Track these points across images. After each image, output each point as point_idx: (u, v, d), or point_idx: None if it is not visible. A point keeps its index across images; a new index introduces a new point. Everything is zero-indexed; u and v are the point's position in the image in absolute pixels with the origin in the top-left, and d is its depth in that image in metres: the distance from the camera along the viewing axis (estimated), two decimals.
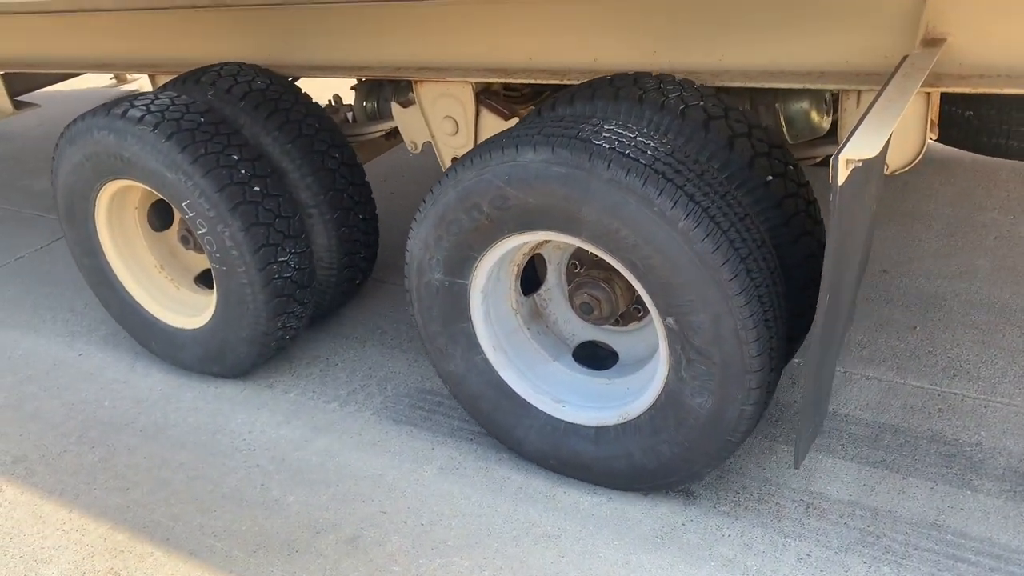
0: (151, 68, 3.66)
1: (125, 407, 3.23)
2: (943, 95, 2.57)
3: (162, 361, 3.45)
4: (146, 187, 3.08)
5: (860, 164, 1.76)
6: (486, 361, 2.64)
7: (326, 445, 2.91)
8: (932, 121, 2.51)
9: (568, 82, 2.69)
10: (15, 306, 4.05)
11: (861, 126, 1.85)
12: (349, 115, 3.61)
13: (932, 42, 2.22)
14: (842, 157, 1.74)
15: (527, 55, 2.74)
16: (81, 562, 2.56)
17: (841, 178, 1.74)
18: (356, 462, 2.81)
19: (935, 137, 2.58)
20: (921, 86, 2.14)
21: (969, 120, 2.89)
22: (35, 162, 5.93)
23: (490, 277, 2.54)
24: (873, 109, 1.92)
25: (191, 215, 2.94)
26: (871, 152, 1.75)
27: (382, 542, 2.50)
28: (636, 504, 2.52)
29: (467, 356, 2.65)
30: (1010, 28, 2.13)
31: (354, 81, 3.47)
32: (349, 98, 3.61)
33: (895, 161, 2.48)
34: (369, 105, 3.47)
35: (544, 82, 2.75)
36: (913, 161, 2.49)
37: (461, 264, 2.50)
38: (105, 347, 3.62)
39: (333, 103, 3.72)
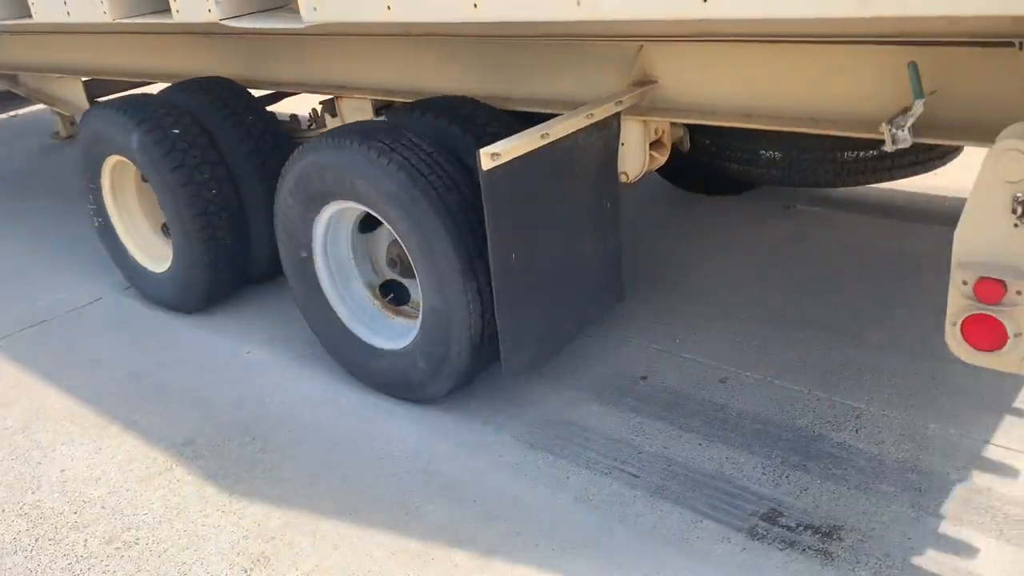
0: (171, 78, 4.54)
1: (287, 404, 3.47)
2: (697, 128, 3.43)
3: (323, 365, 3.69)
4: (116, 156, 4.21)
5: (500, 156, 2.57)
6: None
7: (467, 461, 3.02)
8: (663, 143, 3.28)
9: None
10: None
11: (520, 134, 2.71)
12: (315, 122, 4.36)
13: (644, 83, 3.01)
14: (482, 152, 2.58)
15: (400, 80, 3.69)
16: (236, 543, 2.77)
17: (484, 166, 2.57)
18: (494, 482, 2.91)
19: (663, 158, 3.27)
20: (636, 116, 3.05)
21: (709, 147, 3.64)
22: None
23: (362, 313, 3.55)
24: (542, 125, 2.77)
25: (134, 153, 4.03)
26: (503, 149, 2.59)
27: (515, 562, 2.57)
28: (771, 558, 2.49)
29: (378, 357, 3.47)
30: (703, 75, 2.86)
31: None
32: None
33: (630, 171, 3.19)
34: (327, 114, 4.18)
35: (408, 100, 3.57)
36: (641, 173, 3.21)
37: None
38: (272, 348, 3.90)
39: (311, 114, 4.39)
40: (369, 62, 3.77)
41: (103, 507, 2.99)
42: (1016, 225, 1.98)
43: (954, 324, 2.12)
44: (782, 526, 2.61)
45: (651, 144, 3.20)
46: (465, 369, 3.16)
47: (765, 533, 2.58)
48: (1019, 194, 1.95)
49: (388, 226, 3.15)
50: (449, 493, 2.88)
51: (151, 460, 3.21)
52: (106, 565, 2.74)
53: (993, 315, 2.06)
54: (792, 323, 3.66)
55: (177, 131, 3.95)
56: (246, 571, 2.65)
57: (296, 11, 3.08)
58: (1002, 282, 2.04)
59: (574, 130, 2.84)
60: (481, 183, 2.61)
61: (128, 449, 3.29)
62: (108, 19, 3.73)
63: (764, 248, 4.37)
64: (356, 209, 3.31)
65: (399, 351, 3.34)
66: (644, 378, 3.39)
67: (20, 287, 4.85)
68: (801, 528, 2.59)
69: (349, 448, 3.16)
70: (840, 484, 2.74)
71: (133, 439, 3.35)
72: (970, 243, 2.06)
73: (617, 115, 3.01)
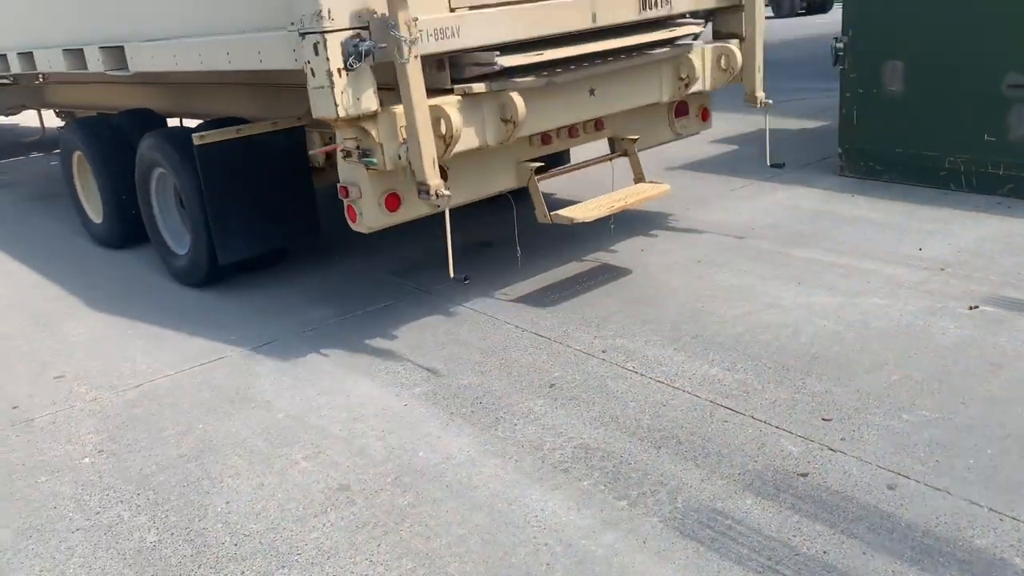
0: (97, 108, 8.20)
1: (436, 461, 3.54)
2: None
3: (472, 425, 3.76)
4: (78, 151, 7.06)
5: (204, 138, 5.02)
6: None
7: (612, 541, 2.97)
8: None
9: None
10: (357, 353, 4.63)
11: (222, 129, 5.16)
12: None
13: None
14: (193, 135, 5.01)
15: (224, 110, 6.10)
16: None
17: (195, 142, 4.97)
18: (640, 565, 2.84)
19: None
20: (315, 128, 5.50)
21: None
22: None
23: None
24: (241, 126, 5.29)
25: (79, 153, 7.03)
26: (206, 134, 5.04)
27: None
28: None
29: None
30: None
31: None
32: None
33: (315, 161, 5.56)
34: None
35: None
36: (322, 162, 5.59)
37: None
38: (425, 403, 4.01)
39: None
40: (213, 102, 6.40)
41: (261, 542, 3.14)
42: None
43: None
44: None
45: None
46: (211, 264, 5.57)
47: None
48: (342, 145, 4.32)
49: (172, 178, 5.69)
50: (591, 571, 2.83)
51: (308, 501, 3.35)
52: None
53: (351, 204, 4.45)
54: (968, 429, 3.40)
55: (108, 140, 6.70)
56: None
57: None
58: (346, 188, 4.41)
59: (263, 131, 5.20)
60: (196, 154, 5.00)
61: (288, 488, 3.45)
62: (102, 70, 5.85)
63: (936, 348, 4.11)
64: (163, 170, 5.86)
65: (185, 254, 5.86)
66: (804, 475, 3.23)
67: (206, 323, 5.25)
68: None
69: (492, 512, 3.17)
70: None
71: (293, 479, 3.51)
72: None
73: (301, 127, 5.30)
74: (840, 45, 6.80)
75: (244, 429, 3.94)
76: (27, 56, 6.86)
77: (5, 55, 7.27)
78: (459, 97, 4.36)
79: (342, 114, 3.91)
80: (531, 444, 3.60)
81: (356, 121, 4.06)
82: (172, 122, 7.23)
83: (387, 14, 3.83)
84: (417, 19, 3.90)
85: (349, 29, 3.87)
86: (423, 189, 4.13)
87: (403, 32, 3.80)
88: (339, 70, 3.83)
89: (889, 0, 6.46)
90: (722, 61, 5.56)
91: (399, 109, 4.08)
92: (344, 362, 4.53)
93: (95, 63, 5.76)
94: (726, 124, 9.90)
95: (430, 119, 4.07)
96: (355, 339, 4.81)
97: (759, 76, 5.66)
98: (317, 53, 3.86)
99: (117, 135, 6.63)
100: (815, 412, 3.64)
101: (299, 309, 5.32)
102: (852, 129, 7.00)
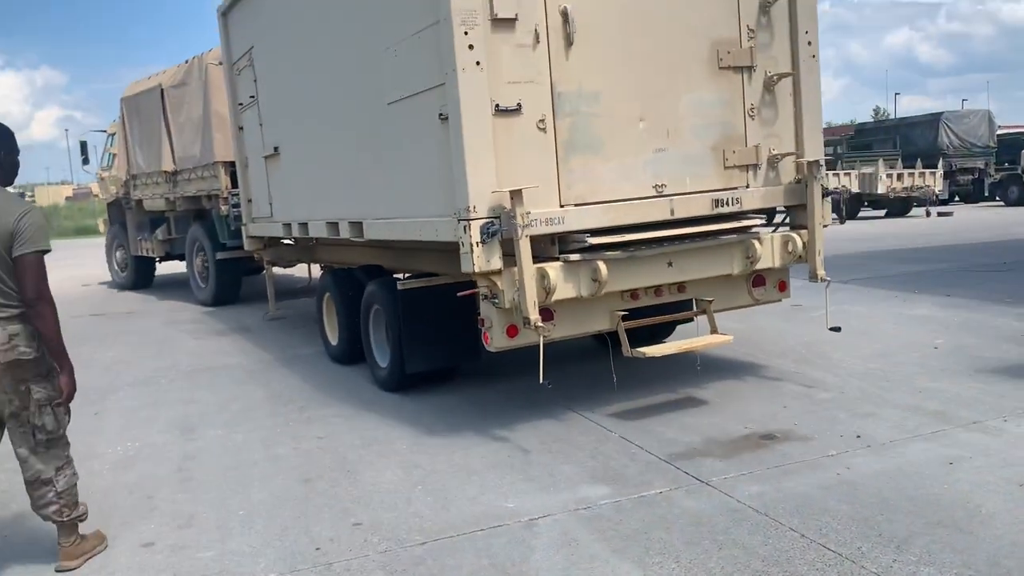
0: (345, 263, 9.87)
1: None
2: None
3: None
4: (328, 293, 9.48)
5: (405, 284, 7.31)
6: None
7: None
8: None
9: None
10: (630, 540, 4.41)
11: (418, 279, 7.51)
12: None
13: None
14: (398, 283, 7.47)
15: (420, 267, 8.01)
16: None
17: (399, 288, 7.24)
18: None
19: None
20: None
21: None
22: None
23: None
24: (432, 278, 7.56)
25: (329, 294, 9.62)
26: (407, 282, 7.45)
27: None
28: None
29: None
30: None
31: None
32: None
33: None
34: None
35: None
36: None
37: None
38: None
39: None
40: (418, 260, 8.06)
41: None
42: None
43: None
44: None
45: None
46: (402, 374, 7.34)
47: None
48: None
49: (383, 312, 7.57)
50: None
51: None
52: None
53: (485, 331, 6.13)
54: None
55: (348, 287, 8.64)
56: None
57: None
58: (482, 320, 6.14)
59: (444, 283, 6.93)
60: (399, 296, 7.01)
61: None
62: (348, 236, 7.80)
63: None
64: (378, 307, 7.70)
65: (385, 367, 7.58)
66: None
67: (487, 488, 5.25)
68: None
69: None
70: None
71: None
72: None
73: (471, 281, 6.00)
74: None
75: None
76: (304, 226, 9.25)
77: (290, 224, 9.69)
78: (560, 263, 5.95)
79: (477, 270, 5.66)
80: None
81: (487, 275, 5.77)
82: (398, 275, 8.84)
83: (510, 208, 5.55)
84: (530, 212, 5.57)
85: (486, 217, 5.60)
86: (526, 322, 5.73)
87: (519, 221, 5.55)
88: (477, 243, 5.60)
89: None
90: (788, 246, 6.85)
91: (516, 268, 5.68)
92: (617, 548, 4.38)
93: (344, 231, 7.92)
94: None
95: (535, 276, 5.74)
96: (628, 525, 4.65)
97: (819, 258, 6.89)
98: (465, 232, 5.64)
99: (354, 282, 8.67)
100: None
101: (575, 484, 5.22)
102: None
